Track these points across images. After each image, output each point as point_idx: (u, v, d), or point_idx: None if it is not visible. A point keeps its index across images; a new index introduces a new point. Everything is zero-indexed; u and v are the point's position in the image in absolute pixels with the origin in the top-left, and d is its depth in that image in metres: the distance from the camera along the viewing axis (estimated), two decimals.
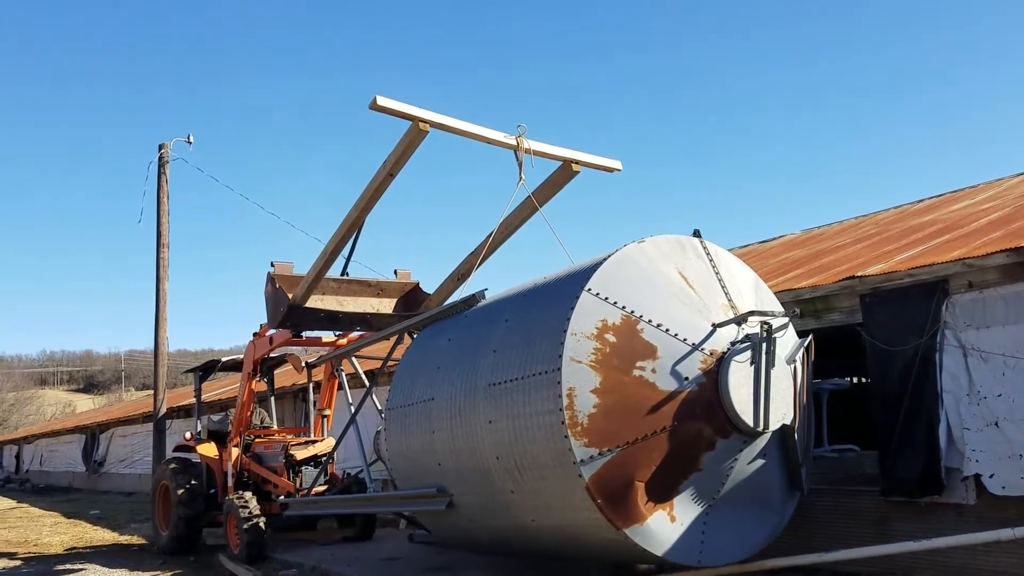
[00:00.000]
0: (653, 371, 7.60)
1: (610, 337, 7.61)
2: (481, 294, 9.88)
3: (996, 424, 8.65)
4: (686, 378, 7.65)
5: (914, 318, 9.46)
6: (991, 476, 8.59)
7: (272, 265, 12.94)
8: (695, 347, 7.76)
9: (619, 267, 8.00)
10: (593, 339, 7.58)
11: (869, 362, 9.96)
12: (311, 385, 15.99)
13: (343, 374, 13.89)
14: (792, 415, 8.18)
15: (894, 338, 9.63)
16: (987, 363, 8.82)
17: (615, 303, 7.73)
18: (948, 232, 11.30)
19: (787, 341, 8.61)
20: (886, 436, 9.60)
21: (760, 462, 8.05)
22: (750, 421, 7.69)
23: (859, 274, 10.09)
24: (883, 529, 9.68)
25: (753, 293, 8.68)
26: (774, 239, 20.18)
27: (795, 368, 8.41)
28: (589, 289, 7.75)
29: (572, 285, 7.99)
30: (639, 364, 7.60)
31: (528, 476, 7.93)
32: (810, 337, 8.92)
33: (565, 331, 7.58)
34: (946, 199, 15.88)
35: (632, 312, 7.74)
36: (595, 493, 7.34)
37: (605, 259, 8.04)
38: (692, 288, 8.13)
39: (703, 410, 7.64)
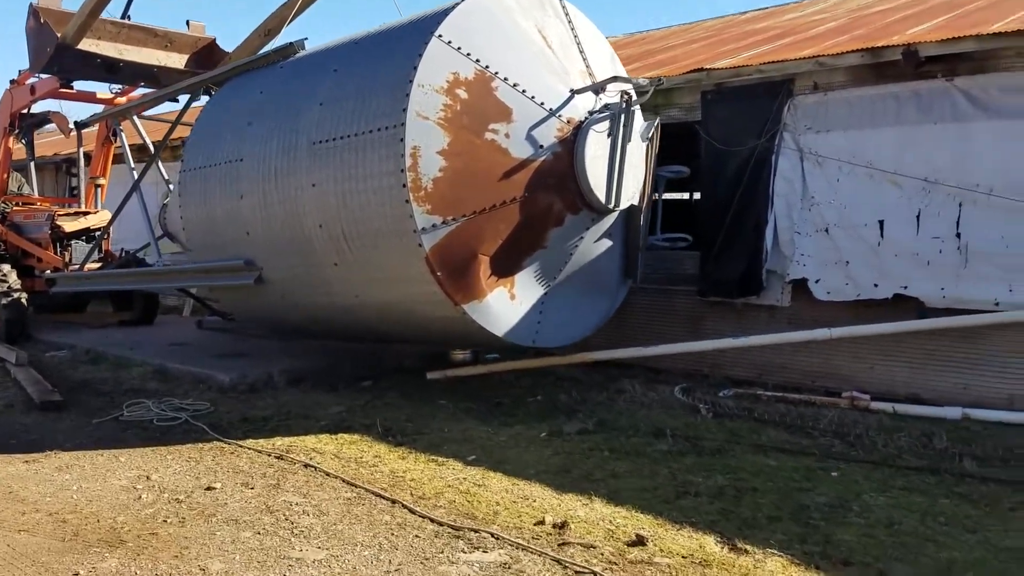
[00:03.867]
0: (507, 136, 6.82)
1: (461, 93, 6.71)
2: (300, 44, 8.56)
3: (826, 230, 8.65)
4: (541, 146, 6.95)
5: (754, 118, 9.18)
6: (817, 281, 8.66)
7: None
8: (552, 113, 7.03)
9: (472, 14, 6.99)
10: (443, 94, 6.65)
11: (703, 162, 9.68)
12: (81, 151, 13.93)
13: (123, 136, 12.09)
14: (640, 196, 7.74)
15: (731, 138, 9.36)
16: (823, 168, 8.74)
17: (468, 55, 6.78)
18: (791, 35, 11.05)
19: (638, 121, 8.06)
20: (711, 237, 9.48)
21: (604, 243, 7.62)
22: (602, 197, 7.17)
23: (707, 67, 9.64)
24: (697, 328, 9.73)
25: (610, 65, 8.00)
26: None
27: (647, 148, 7.92)
28: (440, 36, 6.74)
29: (418, 31, 6.92)
30: (492, 127, 6.78)
31: (357, 246, 7.07)
32: (658, 119, 8.41)
33: (411, 82, 6.58)
34: (774, 11, 15.71)
35: (487, 67, 6.83)
36: (435, 265, 6.63)
37: (457, 4, 6.99)
38: (551, 49, 7.30)
39: (556, 182, 7.01)
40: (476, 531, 4.69)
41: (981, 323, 7.67)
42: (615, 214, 7.47)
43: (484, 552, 4.43)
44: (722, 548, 4.64)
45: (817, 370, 8.79)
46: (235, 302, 9.18)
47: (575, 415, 7.57)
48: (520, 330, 7.20)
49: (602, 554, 4.46)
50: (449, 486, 5.52)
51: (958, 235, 7.90)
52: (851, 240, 8.48)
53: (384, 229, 6.78)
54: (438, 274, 6.65)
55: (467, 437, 6.80)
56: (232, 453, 6.25)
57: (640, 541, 4.61)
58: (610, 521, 4.95)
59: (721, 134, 9.45)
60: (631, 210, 7.64)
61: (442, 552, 4.41)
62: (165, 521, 4.78)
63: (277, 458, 6.12)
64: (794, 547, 4.65)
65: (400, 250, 6.73)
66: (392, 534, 4.65)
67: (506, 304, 7.06)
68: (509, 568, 4.23)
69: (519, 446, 6.57)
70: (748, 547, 4.63)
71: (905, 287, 8.12)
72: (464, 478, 5.71)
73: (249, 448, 6.36)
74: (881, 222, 8.31)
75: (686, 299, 9.89)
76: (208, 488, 5.38)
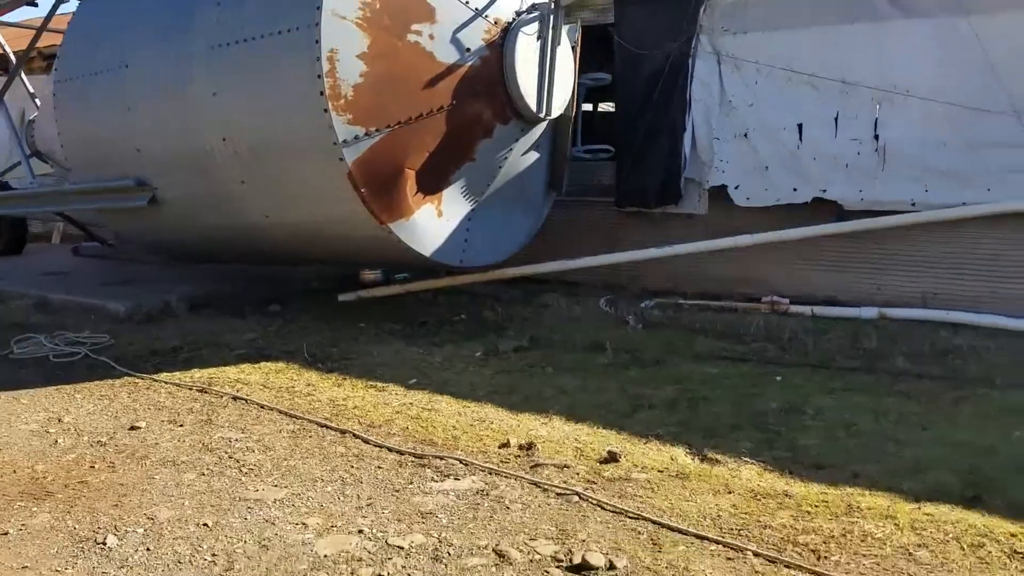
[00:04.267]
0: (431, 37, 6.32)
1: None
2: None
3: (745, 135, 8.54)
4: (468, 49, 6.49)
5: (670, 21, 8.90)
6: (736, 187, 8.57)
7: None
8: (478, 13, 6.57)
9: None
10: None
11: (617, 67, 9.36)
12: None
13: None
14: (568, 105, 7.41)
15: (646, 41, 9.06)
16: (740, 71, 8.58)
17: None
18: None
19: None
20: (627, 146, 9.25)
21: (532, 156, 7.30)
22: (533, 105, 6.81)
23: None
24: (613, 239, 9.54)
25: None
26: None
27: (574, 53, 7.56)
28: None
29: None
30: (415, 27, 6.27)
31: (267, 162, 6.51)
32: (579, 22, 8.04)
33: None
34: None
35: None
36: (359, 181, 6.15)
37: None
38: None
39: (485, 89, 6.60)
40: (441, 458, 4.41)
41: (902, 223, 7.77)
42: (544, 124, 7.13)
43: (456, 479, 4.16)
44: (693, 459, 4.52)
45: (734, 276, 8.78)
46: (124, 225, 8.42)
47: (504, 333, 7.33)
48: (448, 249, 6.85)
49: (577, 473, 4.26)
50: (397, 412, 5.20)
51: (876, 137, 7.93)
52: (770, 144, 8.41)
53: (299, 142, 6.24)
54: (362, 191, 6.18)
55: (400, 360, 6.45)
56: (148, 388, 5.72)
57: (612, 458, 4.44)
58: (575, 439, 4.76)
59: (636, 37, 9.13)
60: (560, 119, 7.31)
61: (411, 483, 4.12)
62: (92, 467, 4.29)
63: (200, 391, 5.64)
64: (763, 454, 4.57)
65: (318, 165, 6.21)
66: (352, 466, 4.32)
67: (433, 222, 6.67)
68: (487, 495, 3.98)
69: (456, 367, 6.28)
70: (718, 456, 4.53)
71: (824, 190, 8.14)
72: (410, 403, 5.39)
73: (166, 382, 5.84)
74: (800, 125, 8.25)
75: (602, 211, 9.67)
76: (132, 428, 4.88)
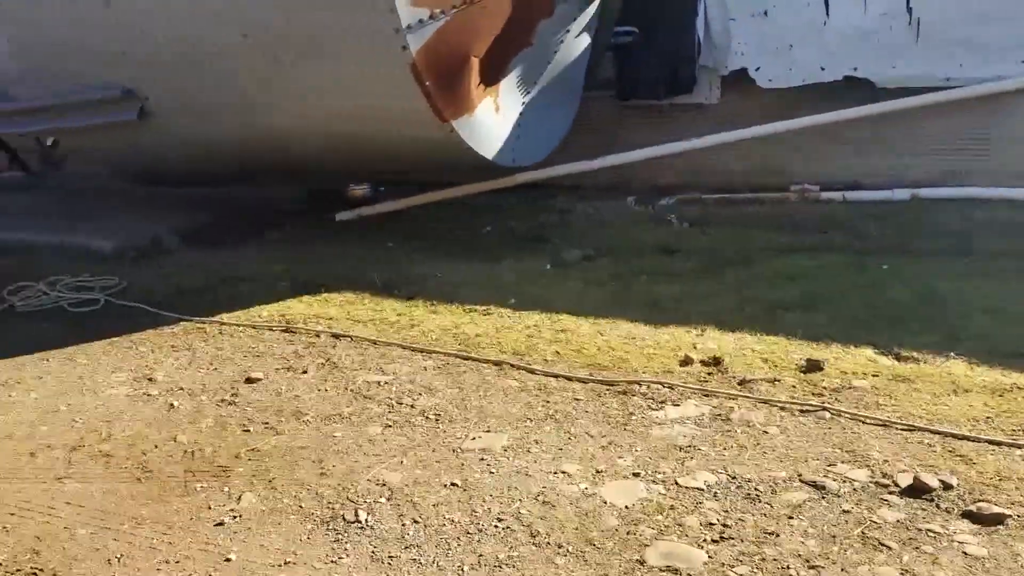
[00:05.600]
0: None
1: None
2: None
3: (765, 13, 8.06)
4: None
5: None
6: (757, 69, 8.11)
7: None
8: None
9: None
10: None
11: None
12: None
13: None
14: None
15: None
16: None
17: None
18: None
19: None
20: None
21: (581, 40, 6.63)
22: None
23: None
24: (617, 135, 8.95)
25: None
26: None
27: None
28: None
29: None
30: None
31: (304, 56, 5.59)
32: None
33: None
34: None
35: None
36: (424, 73, 5.34)
37: None
38: None
39: None
40: (636, 383, 3.89)
41: (940, 101, 7.52)
42: (596, 2, 6.43)
43: (676, 405, 3.66)
44: (890, 359, 4.16)
45: (750, 167, 8.41)
46: (91, 146, 7.22)
47: (554, 243, 6.67)
48: (504, 148, 6.18)
49: (793, 387, 3.84)
50: (530, 337, 4.61)
51: (909, 10, 7.61)
52: (794, 21, 7.97)
53: (349, 31, 5.36)
54: (426, 84, 5.39)
55: (471, 279, 5.77)
56: (221, 333, 4.89)
57: (816, 367, 4.03)
58: (751, 350, 4.33)
59: None
60: None
61: (632, 414, 3.59)
62: (246, 431, 3.55)
63: (285, 331, 4.85)
64: (956, 347, 4.25)
65: (373, 56, 5.37)
66: (546, 402, 3.74)
67: (492, 117, 5.98)
68: (728, 420, 3.51)
69: (539, 282, 5.68)
70: (913, 354, 4.19)
71: (855, 68, 7.80)
72: (533, 325, 4.80)
73: (235, 324, 5.01)
74: (826, 0, 7.84)
75: (602, 105, 9.01)
76: (248, 380, 4.11)
